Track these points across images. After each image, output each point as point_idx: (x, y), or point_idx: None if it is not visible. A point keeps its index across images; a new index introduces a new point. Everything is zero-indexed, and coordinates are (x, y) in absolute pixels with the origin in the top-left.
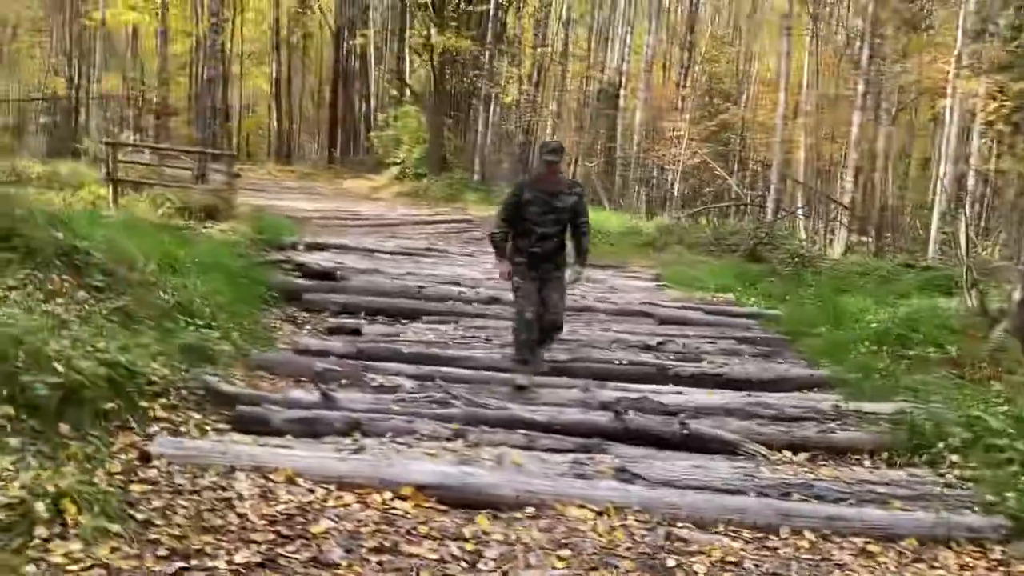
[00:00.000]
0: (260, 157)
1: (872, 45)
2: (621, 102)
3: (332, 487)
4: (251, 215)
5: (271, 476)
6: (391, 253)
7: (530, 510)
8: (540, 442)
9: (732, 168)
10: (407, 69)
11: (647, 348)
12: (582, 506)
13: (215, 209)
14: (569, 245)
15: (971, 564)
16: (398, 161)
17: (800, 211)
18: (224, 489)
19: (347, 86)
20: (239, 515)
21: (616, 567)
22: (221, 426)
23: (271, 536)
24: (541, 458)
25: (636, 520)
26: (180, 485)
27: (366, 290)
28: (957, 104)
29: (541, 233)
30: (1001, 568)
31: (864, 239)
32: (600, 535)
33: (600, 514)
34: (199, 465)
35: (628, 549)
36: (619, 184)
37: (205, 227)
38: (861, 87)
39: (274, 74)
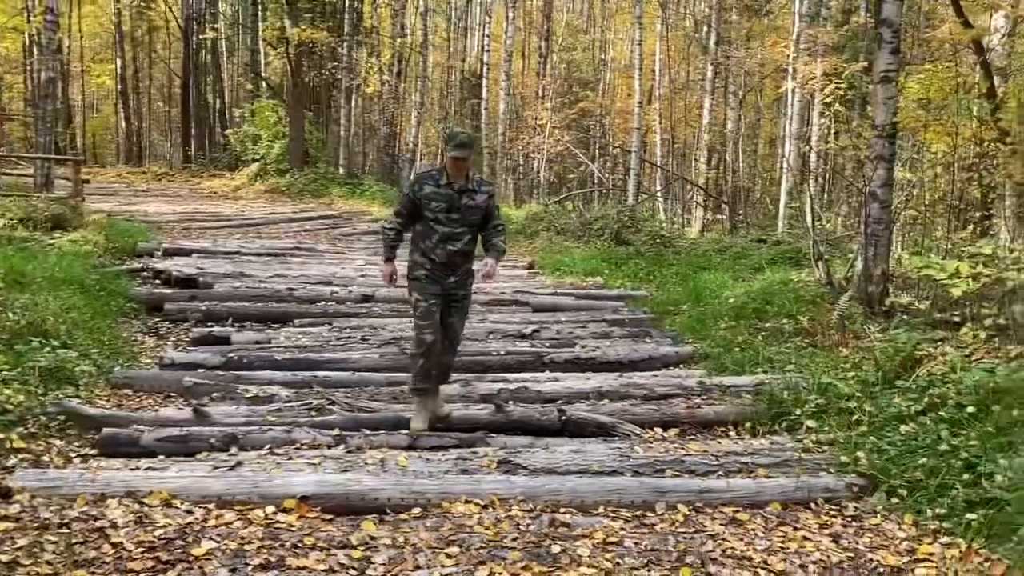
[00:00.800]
0: (109, 159)
1: (718, 30)
2: (484, 91)
3: (211, 506)
4: (103, 222)
5: (145, 500)
6: (257, 254)
7: (417, 510)
8: (423, 441)
9: (594, 154)
10: (262, 62)
11: (522, 336)
12: (468, 501)
13: (63, 218)
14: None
15: (829, 523)
16: (258, 158)
17: (658, 193)
18: (95, 519)
19: (200, 82)
20: (114, 545)
21: (503, 559)
22: (87, 451)
23: (150, 564)
24: (425, 457)
25: (521, 510)
26: (46, 519)
27: (232, 296)
28: (798, 86)
29: (444, 233)
30: (855, 523)
31: (719, 217)
32: (487, 528)
33: (486, 507)
34: (66, 496)
35: (515, 539)
36: (487, 173)
37: (53, 238)
38: (710, 72)
39: (119, 71)
